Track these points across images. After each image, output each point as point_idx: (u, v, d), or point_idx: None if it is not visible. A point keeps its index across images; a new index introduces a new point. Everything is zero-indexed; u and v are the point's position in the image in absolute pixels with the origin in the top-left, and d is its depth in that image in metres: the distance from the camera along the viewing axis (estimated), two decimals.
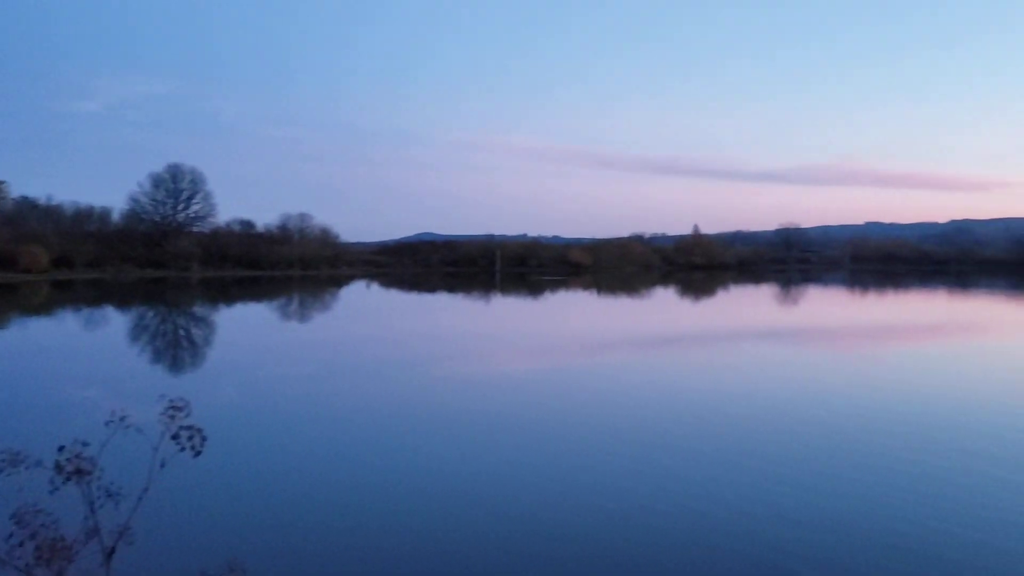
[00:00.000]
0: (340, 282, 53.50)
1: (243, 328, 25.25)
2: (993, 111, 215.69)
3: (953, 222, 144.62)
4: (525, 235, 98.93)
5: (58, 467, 2.79)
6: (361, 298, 39.55)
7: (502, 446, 9.19)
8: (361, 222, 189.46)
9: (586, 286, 51.03)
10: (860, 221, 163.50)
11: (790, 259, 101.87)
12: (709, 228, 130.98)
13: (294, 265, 65.79)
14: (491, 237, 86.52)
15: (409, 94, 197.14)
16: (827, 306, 38.27)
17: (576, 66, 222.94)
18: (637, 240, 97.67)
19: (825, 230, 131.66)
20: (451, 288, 47.88)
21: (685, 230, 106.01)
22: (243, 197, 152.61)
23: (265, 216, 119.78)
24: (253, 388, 13.25)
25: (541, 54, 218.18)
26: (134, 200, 65.49)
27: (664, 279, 63.08)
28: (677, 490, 7.39)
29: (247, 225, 71.66)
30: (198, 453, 2.88)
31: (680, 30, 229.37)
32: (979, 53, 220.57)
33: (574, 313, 31.79)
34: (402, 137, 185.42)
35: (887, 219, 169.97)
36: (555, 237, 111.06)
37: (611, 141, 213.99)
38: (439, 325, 26.14)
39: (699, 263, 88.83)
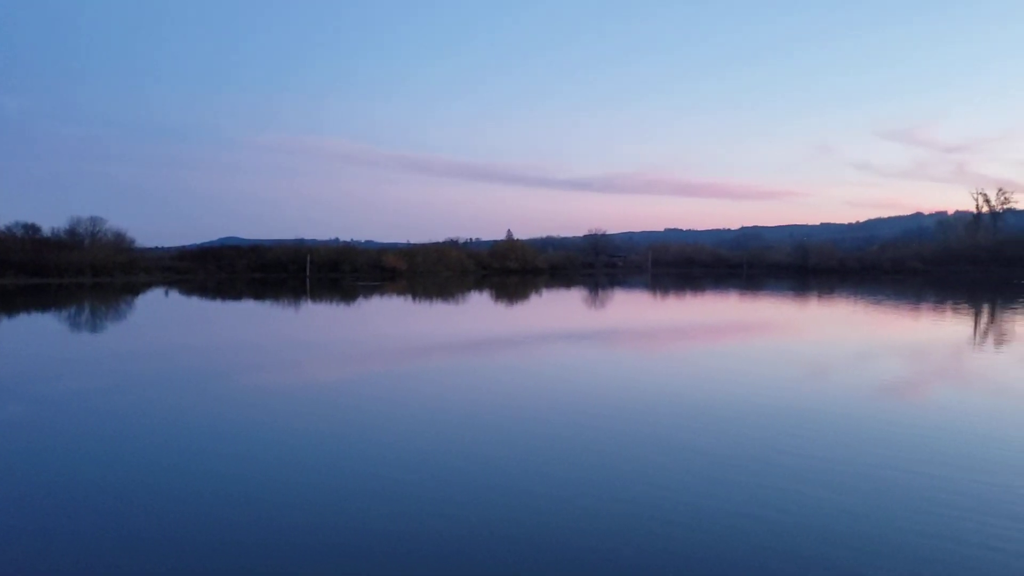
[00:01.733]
0: (136, 289, 50.17)
1: (30, 340, 23.17)
2: (780, 126, 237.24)
3: (744, 228, 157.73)
4: (337, 239, 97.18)
5: None
6: (158, 306, 37.32)
7: (313, 457, 9.15)
8: (162, 226, 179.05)
9: (401, 291, 50.98)
10: (661, 227, 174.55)
11: (598, 263, 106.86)
12: (522, 233, 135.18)
13: (85, 272, 60.87)
14: (301, 241, 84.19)
15: (223, 95, 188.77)
16: (634, 307, 40.60)
17: (395, 70, 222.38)
18: (452, 245, 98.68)
19: (629, 236, 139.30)
20: (259, 295, 46.23)
21: (499, 235, 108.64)
22: (28, 199, 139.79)
23: (53, 219, 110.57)
24: (44, 404, 12.31)
25: (359, 57, 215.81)
26: None
27: (479, 283, 64.19)
28: (505, 485, 7.70)
29: (31, 229, 65.55)
30: None
31: (501, 39, 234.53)
32: (767, 73, 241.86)
33: (389, 318, 31.73)
34: (212, 139, 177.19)
35: (685, 226, 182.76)
36: (369, 242, 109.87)
37: (428, 146, 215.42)
38: (242, 333, 25.26)
39: (513, 267, 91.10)
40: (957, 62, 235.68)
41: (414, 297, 45.67)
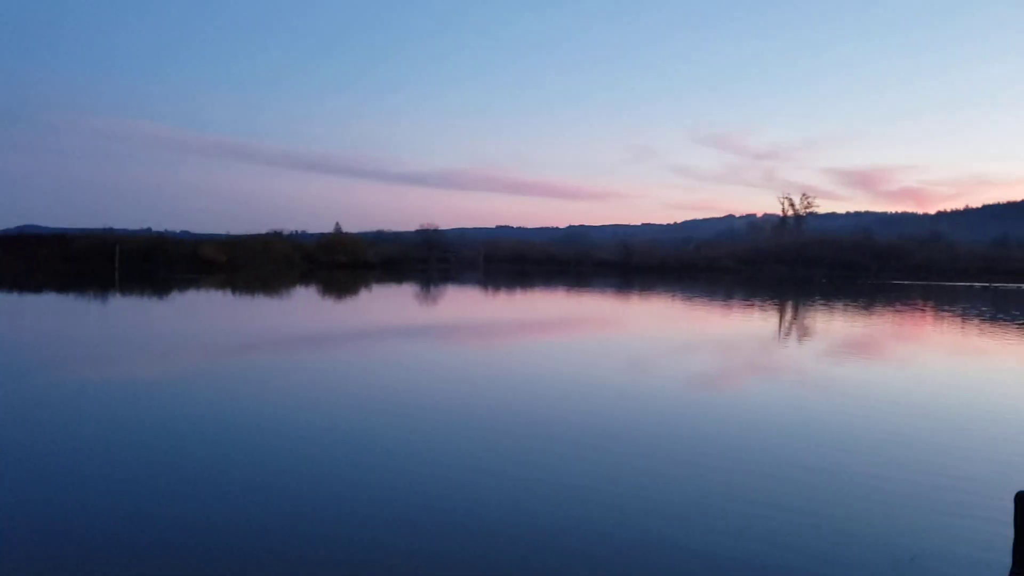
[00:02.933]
0: None
1: None
2: (605, 129, 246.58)
3: (572, 227, 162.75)
4: (150, 229, 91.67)
5: None
6: None
7: (119, 456, 8.55)
8: None
9: (220, 285, 48.70)
10: (492, 224, 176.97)
11: (431, 259, 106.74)
12: (353, 226, 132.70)
13: None
14: (110, 231, 78.62)
15: (27, 72, 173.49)
16: (467, 303, 40.88)
17: (223, 55, 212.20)
18: (276, 237, 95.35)
19: (462, 232, 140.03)
20: (62, 287, 42.75)
21: (327, 228, 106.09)
22: None
23: None
24: None
25: (187, 41, 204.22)
26: None
27: (305, 277, 62.44)
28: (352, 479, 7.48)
29: None
30: None
31: (335, 25, 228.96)
32: (594, 76, 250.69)
33: (205, 314, 30.22)
34: (7, 117, 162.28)
35: (516, 223, 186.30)
36: (184, 232, 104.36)
37: (256, 133, 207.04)
38: (37, 329, 23.27)
39: (343, 261, 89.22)
40: (768, 76, 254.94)
41: (234, 291, 43.77)
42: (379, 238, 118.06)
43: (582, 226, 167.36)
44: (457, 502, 7.02)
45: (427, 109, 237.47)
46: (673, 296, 47.36)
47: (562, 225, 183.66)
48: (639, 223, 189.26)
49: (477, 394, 12.72)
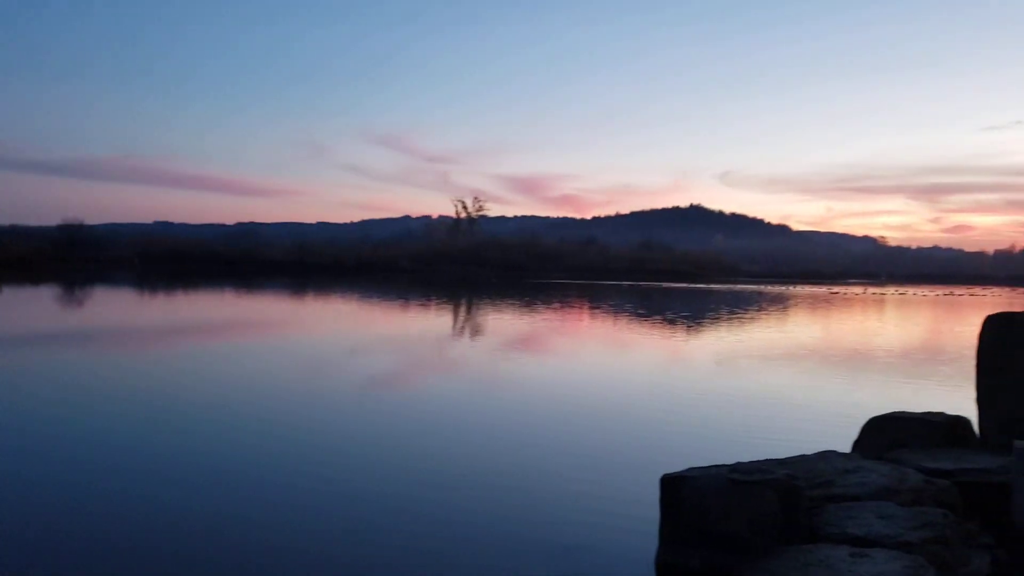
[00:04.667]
0: None
1: None
2: (279, 124, 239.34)
3: (241, 224, 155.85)
4: None
5: None
6: None
7: None
8: None
9: None
10: (149, 220, 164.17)
11: (77, 258, 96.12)
12: None
13: None
14: None
15: None
16: (120, 307, 37.18)
17: None
18: None
19: (114, 228, 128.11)
20: None
21: None
22: None
23: None
24: None
25: None
26: None
27: None
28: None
29: None
30: None
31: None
32: (266, 74, 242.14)
33: None
34: None
35: (177, 219, 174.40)
36: None
37: None
38: None
39: None
40: (439, 80, 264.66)
41: None
42: (9, 234, 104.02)
43: (252, 223, 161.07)
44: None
45: (64, 90, 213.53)
46: (351, 296, 47.10)
47: (230, 222, 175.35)
48: (314, 221, 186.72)
49: (110, 404, 11.41)
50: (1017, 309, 7.88)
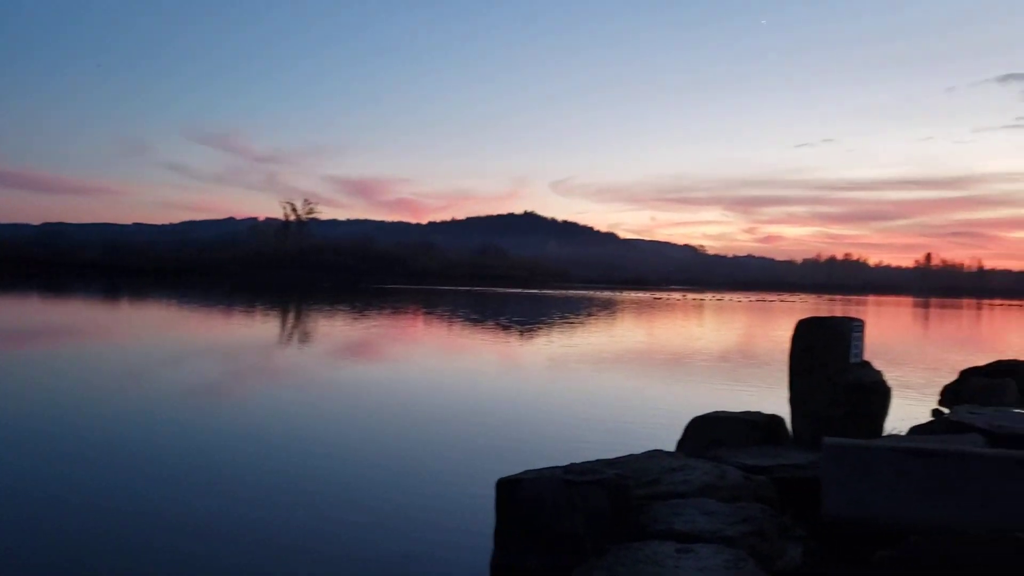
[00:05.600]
0: None
1: None
2: (92, 120, 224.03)
3: (48, 224, 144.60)
4: None
5: None
6: None
7: None
8: None
9: None
10: None
11: None
12: None
13: None
14: None
15: None
16: None
17: None
18: None
19: None
20: None
21: None
22: None
23: None
24: None
25: None
26: None
27: None
28: None
29: None
30: None
31: None
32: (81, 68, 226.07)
33: None
34: None
35: None
36: None
37: None
38: None
39: None
40: (271, 78, 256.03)
41: None
42: None
43: (61, 223, 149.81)
44: None
45: None
46: (166, 302, 44.67)
47: (36, 222, 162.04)
48: (130, 222, 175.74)
49: None
50: (824, 314, 8.50)
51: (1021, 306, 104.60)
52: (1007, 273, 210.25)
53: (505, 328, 32.04)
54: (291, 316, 37.24)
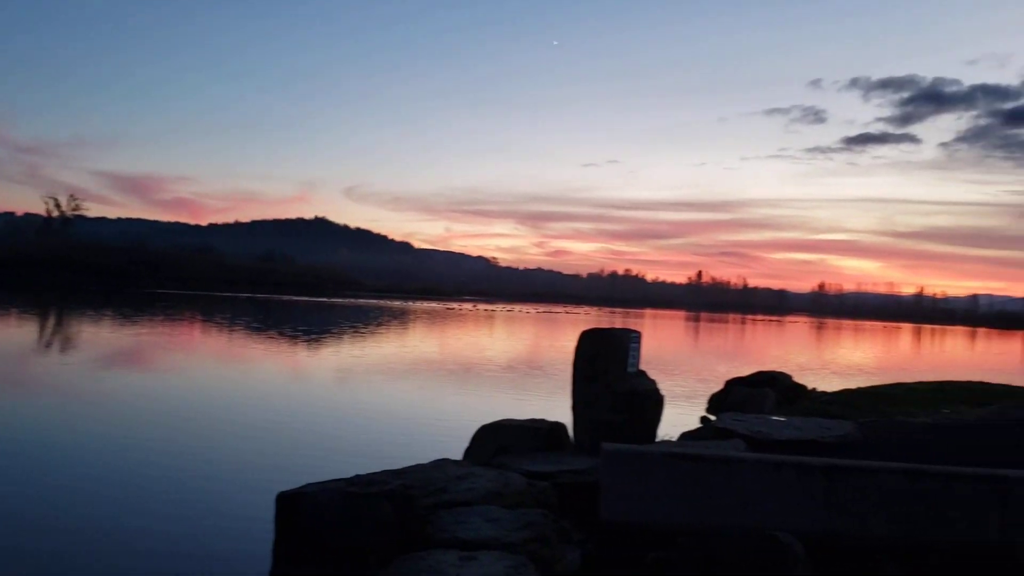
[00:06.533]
0: None
1: None
2: None
3: None
4: None
5: None
6: None
7: None
8: None
9: None
10: None
11: None
12: None
13: None
14: None
15: None
16: None
17: None
18: None
19: None
20: None
21: None
22: None
23: None
24: None
25: None
26: None
27: None
28: None
29: None
30: None
31: None
32: None
33: None
34: None
35: None
36: None
37: None
38: None
39: None
40: (31, 60, 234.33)
41: None
42: None
43: None
44: None
45: None
46: None
47: None
48: None
49: None
50: (606, 326, 8.94)
51: (779, 321, 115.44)
52: (768, 291, 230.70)
53: (291, 338, 31.12)
54: (52, 322, 34.14)
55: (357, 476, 5.65)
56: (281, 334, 32.60)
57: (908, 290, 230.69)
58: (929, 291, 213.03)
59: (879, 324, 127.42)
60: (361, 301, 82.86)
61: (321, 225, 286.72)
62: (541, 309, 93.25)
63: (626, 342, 8.35)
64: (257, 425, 12.14)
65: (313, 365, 22.10)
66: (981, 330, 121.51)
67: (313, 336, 32.32)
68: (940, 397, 15.26)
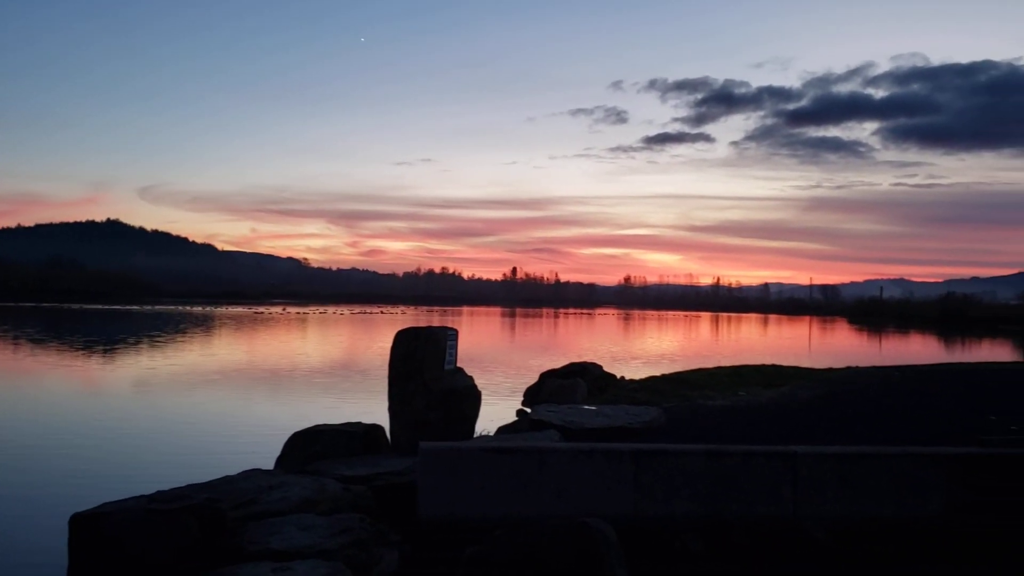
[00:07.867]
0: None
1: None
2: None
3: None
4: None
5: None
6: None
7: None
8: None
9: None
10: None
11: None
12: None
13: None
14: None
15: None
16: None
17: None
18: None
19: None
20: None
21: None
22: None
23: None
24: None
25: None
26: None
27: None
28: None
29: None
30: None
31: None
32: None
33: None
34: None
35: None
36: None
37: None
38: None
39: None
40: None
41: None
42: None
43: None
44: None
45: None
46: None
47: None
48: None
49: None
50: (423, 324, 8.96)
51: (590, 314, 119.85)
52: (579, 285, 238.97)
53: (82, 350, 28.96)
54: None
55: (159, 492, 5.37)
56: (71, 346, 30.25)
57: (706, 280, 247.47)
58: (724, 281, 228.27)
59: (680, 313, 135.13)
60: (160, 308, 78.32)
61: (114, 228, 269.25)
62: (356, 310, 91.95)
63: (443, 340, 8.42)
64: (48, 445, 11.27)
65: (108, 379, 20.68)
66: (772, 316, 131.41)
67: (106, 347, 30.23)
68: (737, 380, 16.46)
